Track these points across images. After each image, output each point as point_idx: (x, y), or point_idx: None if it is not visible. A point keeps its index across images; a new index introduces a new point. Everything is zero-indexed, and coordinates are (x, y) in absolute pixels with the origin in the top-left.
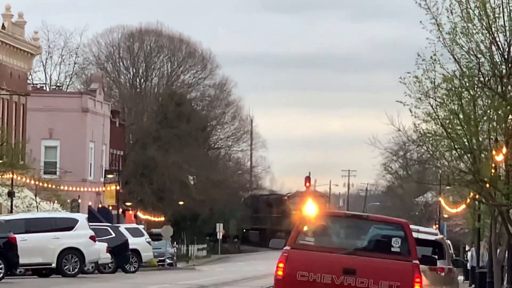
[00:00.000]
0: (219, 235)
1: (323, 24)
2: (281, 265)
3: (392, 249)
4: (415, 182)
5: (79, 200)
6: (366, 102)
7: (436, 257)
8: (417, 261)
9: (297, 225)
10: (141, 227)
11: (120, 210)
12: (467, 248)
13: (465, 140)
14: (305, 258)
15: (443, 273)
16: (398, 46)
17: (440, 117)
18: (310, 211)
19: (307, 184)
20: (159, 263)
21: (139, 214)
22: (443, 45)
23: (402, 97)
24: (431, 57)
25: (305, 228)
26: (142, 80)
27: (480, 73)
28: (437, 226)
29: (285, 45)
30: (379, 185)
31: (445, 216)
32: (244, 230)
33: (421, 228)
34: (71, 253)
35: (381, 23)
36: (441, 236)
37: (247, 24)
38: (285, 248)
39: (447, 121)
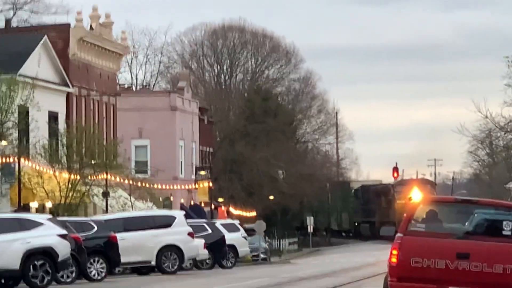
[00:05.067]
0: (310, 228)
1: (410, 15)
2: (394, 252)
3: (504, 233)
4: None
5: (171, 198)
6: (452, 91)
7: None
8: None
9: (408, 212)
10: (236, 222)
11: (213, 206)
12: None
13: None
14: (418, 244)
15: None
16: (485, 35)
17: None
18: (418, 198)
19: (395, 174)
20: (253, 258)
21: (231, 209)
22: None
23: (491, 85)
24: None
25: (416, 215)
26: (226, 77)
27: None
28: None
29: (370, 36)
30: (464, 173)
31: None
32: (356, 224)
33: None
34: (170, 250)
35: (470, 12)
36: None
37: (330, 16)
38: (397, 235)
39: None
